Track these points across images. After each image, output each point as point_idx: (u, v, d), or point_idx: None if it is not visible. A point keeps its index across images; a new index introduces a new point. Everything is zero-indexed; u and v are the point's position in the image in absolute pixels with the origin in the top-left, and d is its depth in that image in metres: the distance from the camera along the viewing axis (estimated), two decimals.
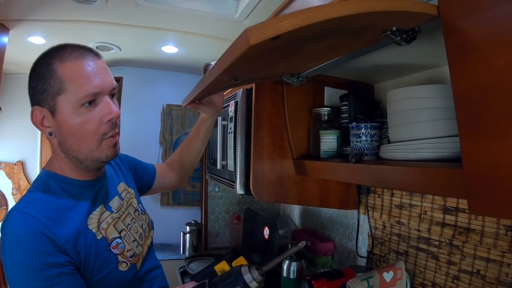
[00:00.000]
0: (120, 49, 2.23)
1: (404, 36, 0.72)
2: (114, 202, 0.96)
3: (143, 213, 1.07)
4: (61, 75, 0.79)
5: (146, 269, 0.99)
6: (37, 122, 0.83)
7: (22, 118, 2.63)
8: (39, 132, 2.68)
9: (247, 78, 0.98)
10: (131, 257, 0.93)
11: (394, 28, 0.70)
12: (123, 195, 1.01)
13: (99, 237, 0.86)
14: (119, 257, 0.89)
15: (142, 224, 1.02)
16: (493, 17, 0.54)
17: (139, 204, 1.08)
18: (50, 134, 0.84)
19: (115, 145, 0.89)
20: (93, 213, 0.88)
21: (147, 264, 1.00)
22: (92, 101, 0.82)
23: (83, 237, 0.82)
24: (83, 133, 0.82)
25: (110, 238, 0.89)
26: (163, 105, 2.83)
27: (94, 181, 0.91)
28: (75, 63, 0.80)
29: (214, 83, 0.89)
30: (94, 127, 0.83)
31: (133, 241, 0.95)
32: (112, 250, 0.88)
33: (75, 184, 0.87)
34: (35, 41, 2.02)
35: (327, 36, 0.66)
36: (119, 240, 0.91)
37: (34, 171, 2.71)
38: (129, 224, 0.97)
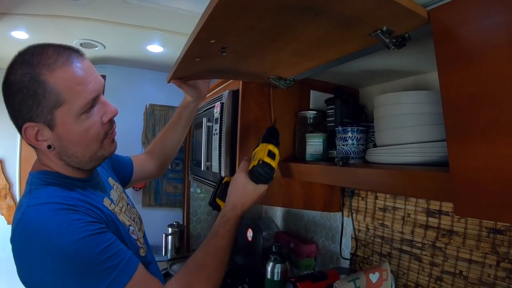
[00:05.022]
0: (105, 47, 2.20)
1: (394, 40, 0.74)
2: (113, 195, 0.96)
3: (133, 206, 1.06)
4: (55, 87, 0.73)
5: (150, 260, 0.99)
6: (31, 139, 0.77)
7: (1, 115, 2.56)
8: None
9: (236, 55, 0.91)
10: (142, 245, 0.93)
11: (385, 28, 0.71)
12: (114, 188, 1.00)
13: (120, 220, 0.86)
14: (137, 243, 0.90)
15: (134, 218, 1.01)
16: (482, 28, 0.56)
17: (128, 198, 1.07)
18: (49, 147, 0.78)
19: (114, 140, 0.89)
20: (104, 200, 0.87)
21: (149, 256, 1.00)
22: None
23: (109, 217, 0.81)
24: (87, 139, 0.80)
25: (126, 224, 0.88)
26: (146, 105, 2.80)
27: (90, 177, 0.90)
28: (66, 70, 0.74)
29: (196, 47, 0.84)
30: (97, 130, 0.81)
31: (139, 230, 0.96)
32: (131, 235, 0.89)
33: (73, 179, 0.84)
34: (19, 36, 1.97)
35: (313, 11, 0.65)
36: (132, 228, 0.91)
37: (13, 169, 2.63)
38: (129, 215, 0.96)
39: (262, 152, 0.99)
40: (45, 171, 0.82)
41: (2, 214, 2.59)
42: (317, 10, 0.64)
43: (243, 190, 0.97)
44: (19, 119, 0.76)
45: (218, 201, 1.07)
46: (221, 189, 1.07)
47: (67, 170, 0.83)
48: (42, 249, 0.67)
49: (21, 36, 2.00)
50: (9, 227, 2.63)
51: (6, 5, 1.62)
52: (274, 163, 0.98)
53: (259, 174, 0.96)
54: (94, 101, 0.80)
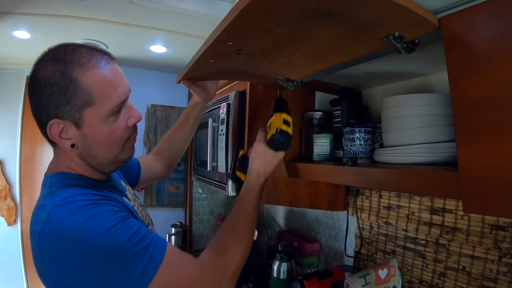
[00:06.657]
0: (107, 47, 2.21)
1: (405, 45, 0.77)
2: (128, 196, 0.97)
3: (144, 208, 1.08)
4: (88, 86, 0.74)
5: None
6: (55, 136, 0.77)
7: (2, 115, 2.55)
8: (19, 130, 2.60)
9: (249, 57, 0.94)
10: None
11: (397, 34, 0.74)
12: (127, 189, 1.02)
13: (141, 218, 0.87)
14: None
15: (148, 220, 1.04)
16: (490, 36, 0.59)
17: (139, 200, 1.09)
18: (72, 146, 0.79)
19: (133, 145, 0.90)
20: (124, 199, 0.88)
21: None
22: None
23: (132, 212, 0.83)
24: (111, 141, 0.81)
25: (146, 224, 0.90)
26: (148, 105, 2.82)
27: (107, 179, 0.91)
28: (98, 71, 0.75)
29: (213, 48, 0.86)
30: (121, 134, 0.82)
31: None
32: None
33: (93, 180, 0.85)
34: (20, 35, 1.96)
35: (331, 16, 0.67)
36: (150, 227, 0.92)
37: (14, 170, 2.62)
38: (144, 217, 0.98)
39: (277, 121, 1.06)
40: (64, 172, 0.82)
41: (2, 216, 2.57)
42: (334, 15, 0.67)
43: (264, 159, 1.04)
44: (44, 115, 0.75)
45: (238, 173, 1.15)
46: (238, 162, 1.15)
47: (87, 171, 0.84)
48: (75, 245, 0.67)
49: (23, 36, 1.99)
50: (9, 229, 2.61)
51: (8, 4, 1.62)
52: (290, 130, 1.05)
53: (278, 141, 1.03)
54: (122, 104, 0.81)
